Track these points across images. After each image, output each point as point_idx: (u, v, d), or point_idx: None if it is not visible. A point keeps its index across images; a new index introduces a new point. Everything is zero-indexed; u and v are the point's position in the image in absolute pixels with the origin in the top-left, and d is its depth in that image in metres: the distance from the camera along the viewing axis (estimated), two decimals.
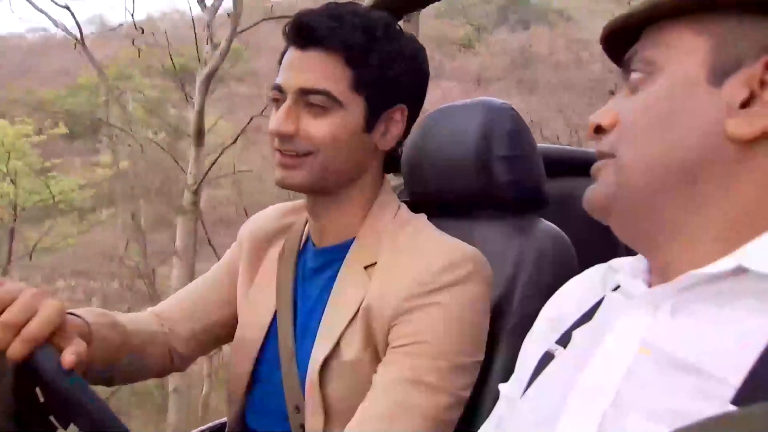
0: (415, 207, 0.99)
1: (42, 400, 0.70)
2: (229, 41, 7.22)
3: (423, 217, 0.96)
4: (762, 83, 0.49)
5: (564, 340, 0.61)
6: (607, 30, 0.58)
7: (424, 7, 1.57)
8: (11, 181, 9.67)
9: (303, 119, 0.87)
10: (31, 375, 0.67)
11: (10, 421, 0.68)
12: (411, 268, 0.86)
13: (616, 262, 0.64)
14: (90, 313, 0.86)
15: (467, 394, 0.84)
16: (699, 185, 0.51)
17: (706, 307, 0.48)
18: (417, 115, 0.97)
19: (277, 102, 0.90)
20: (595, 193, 0.57)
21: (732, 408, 0.42)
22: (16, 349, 0.66)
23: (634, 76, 0.55)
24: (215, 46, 7.35)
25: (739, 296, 0.47)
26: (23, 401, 0.69)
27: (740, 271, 0.47)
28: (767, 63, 0.48)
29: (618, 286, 0.60)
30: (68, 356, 0.67)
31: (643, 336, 0.51)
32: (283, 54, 0.92)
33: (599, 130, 0.57)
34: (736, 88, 0.49)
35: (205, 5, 7.86)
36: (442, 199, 1.10)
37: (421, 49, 0.94)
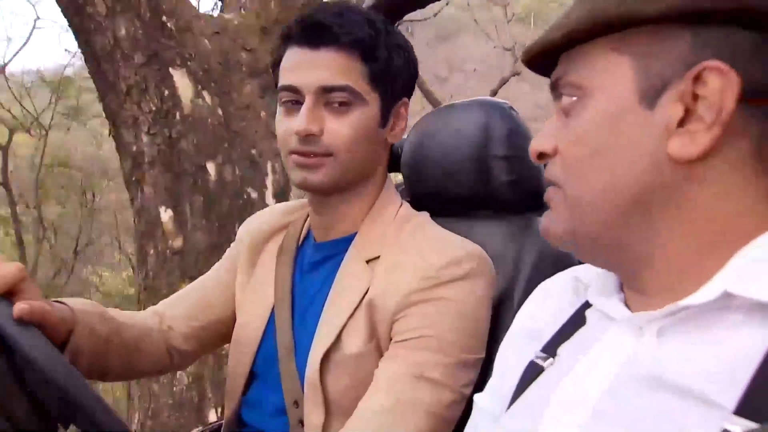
0: (414, 206, 0.99)
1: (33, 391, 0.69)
2: None
3: (426, 214, 0.97)
4: (695, 97, 0.46)
5: (549, 352, 0.60)
6: (528, 56, 0.56)
7: (422, 7, 1.57)
8: None
9: (326, 119, 0.87)
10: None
11: (4, 421, 0.67)
12: (415, 263, 0.86)
13: (584, 274, 0.62)
14: (77, 302, 0.87)
15: (469, 391, 0.84)
16: (654, 213, 0.49)
17: (692, 329, 0.47)
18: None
19: (288, 104, 0.89)
20: (550, 225, 0.55)
21: (733, 425, 0.41)
22: None
23: (565, 100, 0.53)
24: None
25: (725, 317, 0.46)
26: (15, 398, 0.68)
27: (727, 296, 0.45)
28: (695, 77, 0.46)
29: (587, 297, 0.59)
30: (21, 305, 0.66)
31: (627, 355, 0.50)
32: (279, 56, 0.92)
33: (542, 156, 0.56)
34: (670, 108, 0.47)
35: None
36: (441, 199, 1.10)
37: (410, 44, 0.95)
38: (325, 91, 0.86)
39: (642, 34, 0.48)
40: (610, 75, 0.50)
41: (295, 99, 0.88)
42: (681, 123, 0.47)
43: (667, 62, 0.47)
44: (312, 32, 0.87)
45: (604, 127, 0.50)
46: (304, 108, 0.86)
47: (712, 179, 0.47)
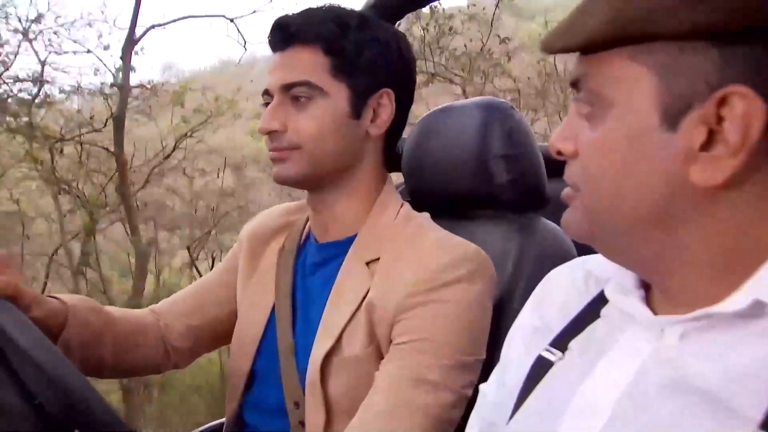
0: (415, 206, 0.98)
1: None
2: None
3: (426, 215, 0.96)
4: (718, 120, 0.45)
5: (559, 347, 0.59)
6: (546, 52, 0.54)
7: (420, 8, 1.57)
8: None
9: (290, 115, 0.89)
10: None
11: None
12: (414, 265, 0.86)
13: (599, 269, 0.61)
14: (71, 297, 0.88)
15: (469, 392, 0.84)
16: (675, 230, 0.48)
17: (716, 335, 0.47)
18: (409, 101, 0.98)
19: (266, 106, 0.92)
20: (571, 222, 0.55)
21: None
22: None
23: (586, 106, 0.52)
24: None
25: (752, 325, 0.45)
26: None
27: (757, 304, 0.45)
28: (719, 101, 0.44)
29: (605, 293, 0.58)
30: None
31: (648, 358, 0.50)
32: None
33: (561, 154, 0.55)
34: (693, 131, 0.45)
35: None
36: (442, 199, 1.10)
37: (400, 36, 0.95)
38: (287, 88, 0.89)
39: (665, 48, 0.46)
40: (631, 87, 0.48)
41: (269, 101, 0.92)
42: (703, 146, 0.46)
43: (691, 81, 0.45)
44: (278, 36, 0.91)
45: (625, 145, 0.49)
46: (268, 107, 0.90)
47: (738, 200, 0.46)
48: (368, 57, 0.90)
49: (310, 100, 0.89)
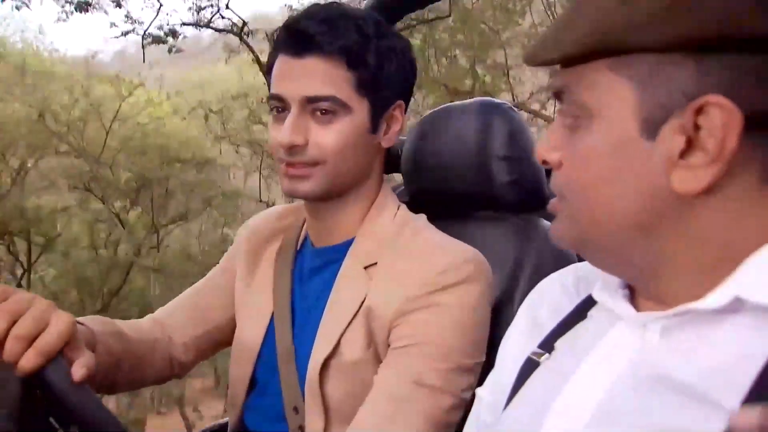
0: (415, 207, 0.98)
1: (45, 403, 0.69)
2: None
3: (423, 217, 0.96)
4: (696, 128, 0.46)
5: (546, 348, 0.60)
6: (528, 64, 0.55)
7: (422, 8, 1.57)
8: None
9: (311, 128, 0.86)
10: (38, 384, 0.66)
11: (11, 423, 0.67)
12: (412, 269, 0.85)
13: (588, 272, 0.63)
14: (94, 322, 0.86)
15: (469, 395, 0.84)
16: (658, 235, 0.49)
17: (697, 330, 0.48)
18: (406, 108, 0.96)
19: (278, 113, 0.89)
20: (558, 232, 0.56)
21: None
22: (28, 362, 0.64)
23: (568, 118, 0.53)
24: None
25: (731, 321, 0.46)
26: (27, 406, 0.68)
27: (737, 301, 0.46)
28: (697, 110, 0.45)
29: (592, 294, 0.59)
30: (79, 370, 0.65)
31: (631, 354, 0.51)
32: (270, 64, 0.91)
33: (546, 163, 0.56)
34: (671, 139, 0.46)
35: None
36: (442, 200, 1.10)
37: (409, 44, 0.94)
38: (310, 101, 0.85)
39: (643, 60, 0.47)
40: (611, 98, 0.49)
41: (282, 107, 0.88)
42: (683, 155, 0.46)
43: (668, 92, 0.46)
44: (296, 40, 0.86)
45: (607, 155, 0.49)
46: (288, 119, 0.86)
47: (718, 206, 0.47)
48: (389, 71, 0.88)
49: (334, 115, 0.86)
